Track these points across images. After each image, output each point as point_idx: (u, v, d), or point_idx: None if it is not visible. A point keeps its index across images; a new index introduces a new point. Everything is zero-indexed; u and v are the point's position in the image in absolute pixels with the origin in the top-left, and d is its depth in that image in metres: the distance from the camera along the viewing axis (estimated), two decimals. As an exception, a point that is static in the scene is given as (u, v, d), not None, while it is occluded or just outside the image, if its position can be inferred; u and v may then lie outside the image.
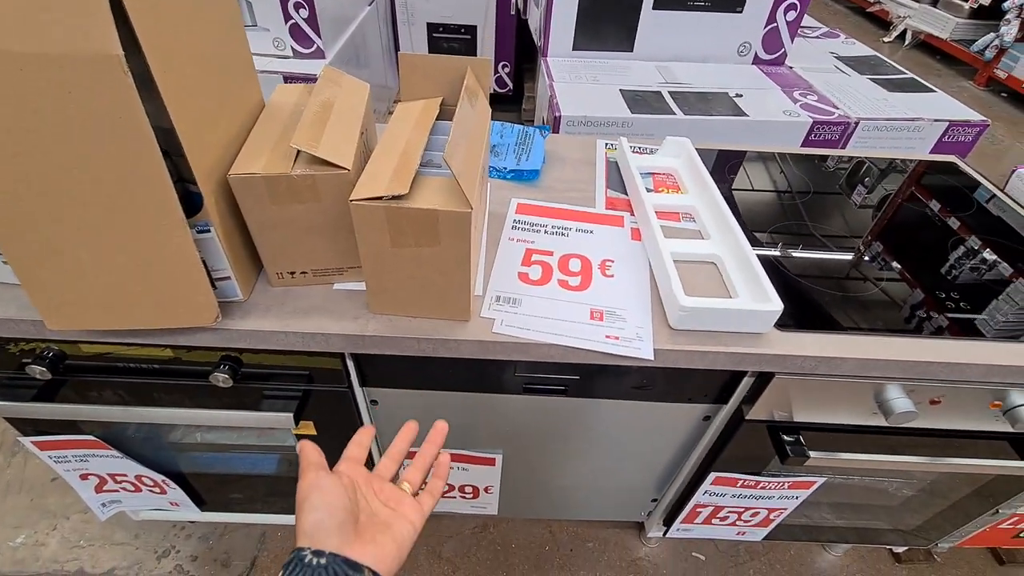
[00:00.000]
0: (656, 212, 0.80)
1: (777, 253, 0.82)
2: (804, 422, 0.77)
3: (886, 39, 4.44)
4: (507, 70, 2.61)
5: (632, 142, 0.99)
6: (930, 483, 0.95)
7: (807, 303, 0.73)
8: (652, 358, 0.63)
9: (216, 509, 1.06)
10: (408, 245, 0.57)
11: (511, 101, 2.66)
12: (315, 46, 1.65)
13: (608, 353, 0.63)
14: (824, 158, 1.08)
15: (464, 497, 1.07)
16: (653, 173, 0.94)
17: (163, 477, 0.92)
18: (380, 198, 0.54)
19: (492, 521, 1.30)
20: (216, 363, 0.69)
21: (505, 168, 0.90)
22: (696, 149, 0.93)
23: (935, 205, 0.95)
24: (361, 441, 0.51)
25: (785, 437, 0.77)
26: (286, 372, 0.73)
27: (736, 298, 0.68)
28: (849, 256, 0.84)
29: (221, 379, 0.69)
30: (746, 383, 0.74)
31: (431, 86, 0.71)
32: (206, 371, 0.69)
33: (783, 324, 0.66)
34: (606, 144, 1.03)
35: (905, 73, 1.63)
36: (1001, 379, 0.67)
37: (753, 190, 0.98)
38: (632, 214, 0.85)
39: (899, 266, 0.81)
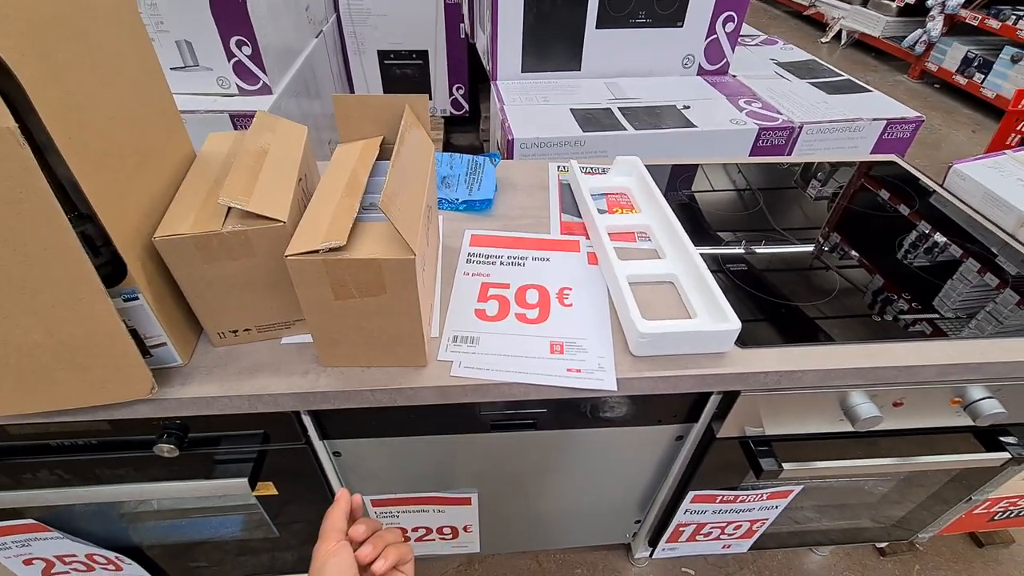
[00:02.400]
0: (610, 234, 0.80)
1: (741, 251, 0.82)
2: (775, 435, 0.77)
3: (823, 40, 4.65)
4: (462, 92, 2.61)
5: (584, 162, 0.99)
6: (906, 478, 0.96)
7: (767, 311, 0.73)
8: (615, 389, 0.61)
9: (180, 580, 0.99)
10: (352, 296, 0.54)
11: (468, 122, 2.67)
12: (261, 82, 1.61)
13: (571, 387, 0.61)
14: (776, 164, 1.10)
15: (444, 538, 1.03)
16: (606, 194, 0.94)
17: (116, 554, 0.86)
18: (317, 251, 0.51)
19: (477, 559, 1.26)
20: (159, 433, 0.65)
21: (457, 199, 0.89)
22: (648, 166, 0.94)
23: (882, 201, 0.98)
24: (344, 511, 0.51)
25: (758, 450, 0.77)
26: (237, 434, 0.69)
27: (695, 319, 0.68)
28: (808, 248, 0.85)
29: (166, 450, 0.64)
30: (714, 400, 0.74)
31: (370, 126, 0.69)
32: (149, 442, 0.64)
33: (743, 341, 0.66)
34: (558, 167, 1.03)
35: (841, 75, 1.69)
36: (956, 377, 0.68)
37: (714, 190, 0.99)
38: (587, 238, 0.85)
39: (855, 261, 0.82)
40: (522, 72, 1.59)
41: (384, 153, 0.67)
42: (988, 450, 0.79)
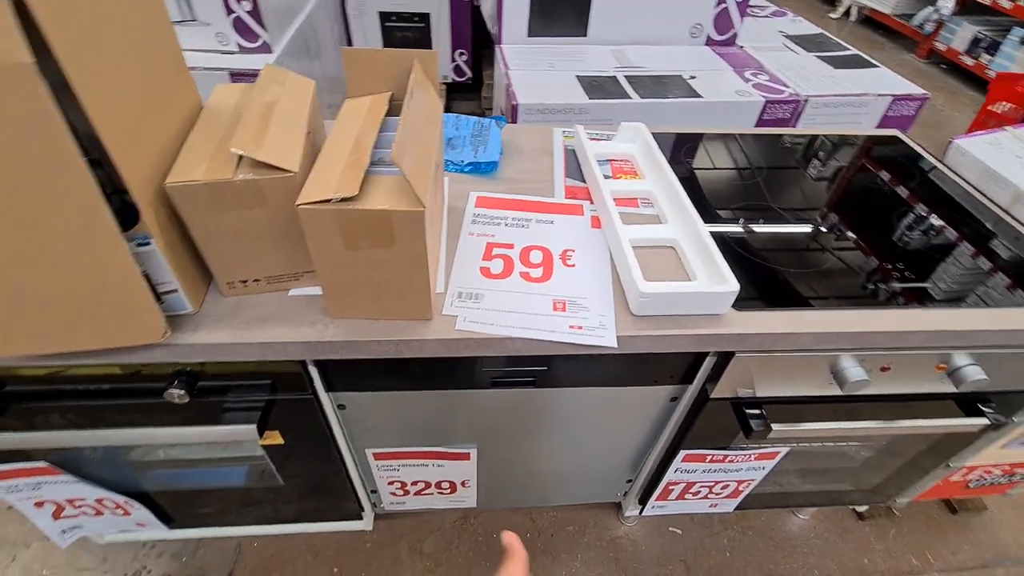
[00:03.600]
0: (614, 199, 0.81)
1: (739, 229, 0.84)
2: (766, 397, 0.79)
3: (833, 15, 4.56)
4: (464, 58, 2.56)
5: (589, 129, 0.98)
6: (887, 444, 1.00)
7: (764, 280, 0.75)
8: (616, 346, 0.63)
9: (186, 525, 1.03)
10: (362, 248, 0.56)
11: (470, 89, 2.62)
12: (261, 40, 1.58)
13: (572, 343, 0.63)
14: (779, 136, 1.11)
15: (442, 493, 1.07)
16: (611, 160, 0.94)
17: (125, 498, 0.88)
18: (329, 201, 0.52)
19: (472, 513, 1.30)
20: (170, 378, 0.67)
21: (462, 161, 0.89)
22: (653, 133, 0.94)
23: (884, 176, 0.99)
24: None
25: (749, 412, 0.80)
26: (246, 384, 0.71)
27: (694, 281, 0.70)
28: (807, 228, 0.86)
29: (176, 395, 0.66)
30: (709, 363, 0.76)
31: (378, 81, 0.69)
32: (160, 388, 0.66)
33: (741, 304, 0.68)
34: (563, 132, 1.03)
35: (849, 50, 1.67)
36: (942, 343, 0.70)
37: (715, 168, 0.99)
38: (591, 202, 0.86)
39: (852, 235, 0.84)
40: (528, 36, 1.56)
41: (392, 109, 0.67)
42: (968, 415, 0.82)
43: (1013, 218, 0.88)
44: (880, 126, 1.47)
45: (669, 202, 0.82)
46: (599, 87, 1.36)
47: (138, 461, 0.95)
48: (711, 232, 0.72)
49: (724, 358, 0.73)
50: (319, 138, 0.68)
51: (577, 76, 1.41)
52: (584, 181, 0.90)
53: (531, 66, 1.45)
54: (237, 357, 0.62)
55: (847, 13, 4.50)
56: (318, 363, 0.70)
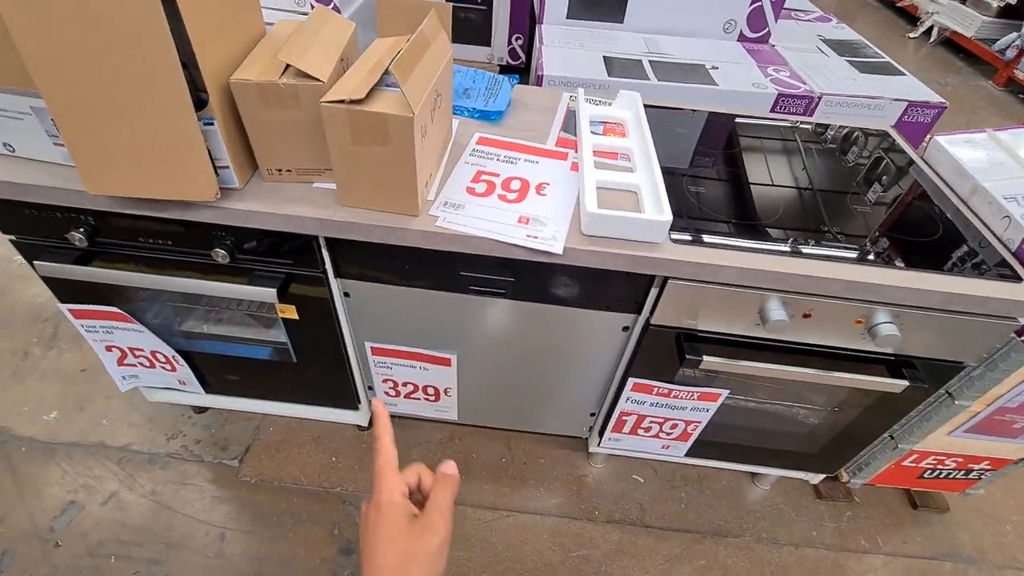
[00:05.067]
0: (596, 151, 0.94)
1: (704, 176, 0.95)
2: (702, 331, 0.91)
3: (911, 35, 4.40)
4: (520, 42, 2.71)
5: (596, 96, 1.12)
6: (831, 410, 1.08)
7: (708, 225, 0.86)
8: (561, 253, 0.77)
9: (218, 391, 1.24)
10: (365, 144, 0.72)
11: (521, 72, 2.77)
12: (332, 4, 1.79)
13: (525, 248, 0.78)
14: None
15: (428, 399, 1.23)
16: (605, 121, 1.07)
17: (174, 352, 1.10)
18: (343, 101, 0.69)
19: (458, 434, 1.47)
20: (217, 240, 0.86)
21: (473, 108, 1.04)
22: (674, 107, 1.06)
23: (852, 154, 1.07)
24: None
25: (687, 344, 0.91)
26: (272, 259, 0.89)
27: (639, 213, 0.82)
28: (766, 180, 0.96)
29: (220, 255, 0.85)
30: (653, 294, 0.88)
31: (404, 25, 0.85)
32: (208, 247, 0.86)
33: (678, 238, 0.80)
34: (569, 96, 1.17)
35: (882, 57, 1.71)
36: (858, 295, 0.80)
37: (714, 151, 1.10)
38: (576, 151, 0.99)
39: (806, 198, 0.93)
40: (567, 18, 1.70)
41: (411, 48, 0.83)
42: (892, 377, 0.90)
43: (967, 207, 0.95)
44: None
45: (642, 157, 0.94)
46: (621, 67, 1.48)
47: (187, 331, 1.17)
48: (674, 175, 0.84)
49: (664, 289, 0.85)
50: (350, 64, 0.85)
51: (604, 56, 1.53)
52: (576, 135, 1.04)
53: (563, 44, 1.58)
54: (267, 225, 0.80)
55: (928, 33, 4.33)
56: (328, 245, 0.88)
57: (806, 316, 0.84)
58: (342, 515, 1.29)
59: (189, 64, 0.67)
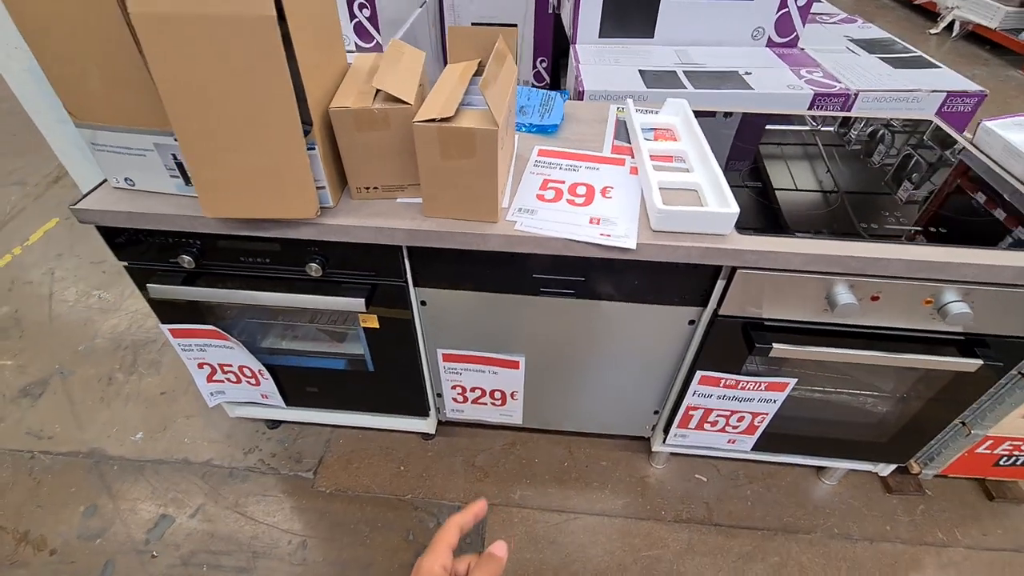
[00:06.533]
0: (651, 155, 0.99)
1: (758, 183, 0.99)
2: (769, 319, 0.94)
3: (933, 31, 4.40)
4: (544, 65, 2.82)
5: (641, 106, 1.18)
6: (899, 398, 1.09)
7: (770, 218, 0.90)
8: (634, 247, 0.82)
9: (297, 404, 1.31)
10: (452, 157, 0.79)
11: (548, 93, 2.87)
12: (375, 41, 1.91)
13: (601, 245, 0.83)
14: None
15: (494, 403, 1.28)
16: (655, 128, 1.13)
17: (260, 366, 1.17)
18: (434, 120, 0.76)
19: (519, 440, 1.50)
20: (311, 258, 0.93)
21: (531, 123, 1.11)
22: (712, 112, 1.12)
23: (912, 147, 1.09)
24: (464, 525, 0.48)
25: (755, 334, 0.94)
26: (358, 272, 0.97)
27: (704, 207, 0.87)
28: (821, 170, 1.00)
29: (314, 269, 0.93)
30: (720, 286, 0.92)
31: (471, 51, 0.93)
32: (303, 263, 0.93)
33: (744, 229, 0.84)
34: (617, 107, 1.23)
35: (914, 52, 1.73)
36: (926, 275, 0.82)
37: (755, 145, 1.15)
38: (633, 157, 1.05)
39: (862, 187, 0.97)
40: (599, 37, 1.78)
41: (480, 71, 0.91)
42: (963, 357, 0.91)
43: (1025, 186, 0.97)
44: (936, 122, 1.53)
45: (698, 157, 0.99)
46: (658, 78, 1.54)
47: (269, 347, 1.25)
48: (735, 175, 0.88)
49: (732, 279, 0.89)
50: (426, 89, 0.93)
51: (640, 70, 1.60)
52: (630, 142, 1.09)
53: (598, 61, 1.66)
54: (360, 238, 0.87)
55: (949, 28, 4.32)
56: (410, 256, 0.94)
57: (874, 299, 0.87)
58: (415, 522, 1.33)
59: (298, 97, 0.75)
